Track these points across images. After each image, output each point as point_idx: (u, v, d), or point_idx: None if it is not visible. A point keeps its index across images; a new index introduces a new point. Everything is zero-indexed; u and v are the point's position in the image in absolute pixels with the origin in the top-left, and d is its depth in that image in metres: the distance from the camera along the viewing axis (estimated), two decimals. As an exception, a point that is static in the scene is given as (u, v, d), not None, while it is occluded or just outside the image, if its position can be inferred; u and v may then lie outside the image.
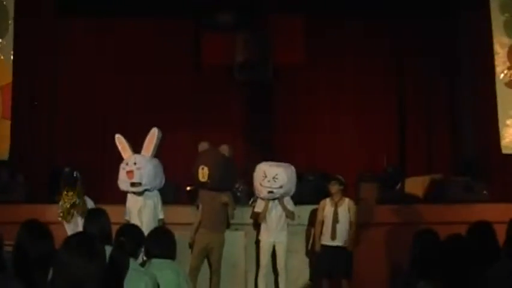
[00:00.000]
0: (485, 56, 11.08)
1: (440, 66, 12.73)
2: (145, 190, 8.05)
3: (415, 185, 10.71)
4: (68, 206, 7.52)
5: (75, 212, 7.54)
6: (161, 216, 8.18)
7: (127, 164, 8.03)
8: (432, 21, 12.57)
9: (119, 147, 8.29)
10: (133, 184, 7.96)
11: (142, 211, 7.99)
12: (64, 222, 7.66)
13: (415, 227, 5.10)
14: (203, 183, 8.33)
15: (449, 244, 4.12)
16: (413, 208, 9.39)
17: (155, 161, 8.21)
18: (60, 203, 7.62)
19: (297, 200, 8.88)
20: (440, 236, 4.60)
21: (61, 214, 7.54)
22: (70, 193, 7.64)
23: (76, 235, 3.40)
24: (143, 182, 7.95)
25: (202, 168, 8.27)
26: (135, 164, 7.95)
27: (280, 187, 8.41)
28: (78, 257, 2.92)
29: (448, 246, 4.10)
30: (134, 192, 8.07)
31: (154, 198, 8.12)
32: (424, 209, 9.29)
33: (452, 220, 7.98)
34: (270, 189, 8.39)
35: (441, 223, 7.51)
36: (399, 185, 10.22)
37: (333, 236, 8.37)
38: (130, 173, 7.91)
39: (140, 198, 8.02)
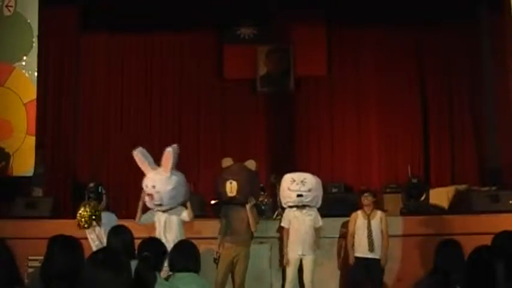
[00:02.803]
0: (508, 63, 10.99)
1: (463, 76, 12.67)
2: (169, 209, 8.05)
3: (440, 196, 10.64)
4: (89, 214, 7.61)
5: (94, 223, 7.63)
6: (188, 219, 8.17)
7: (146, 186, 7.99)
8: (454, 27, 12.51)
9: (138, 163, 8.23)
10: (156, 204, 7.96)
11: (167, 227, 7.98)
12: (88, 234, 7.78)
13: (440, 238, 5.04)
14: (231, 197, 8.27)
15: (474, 255, 4.09)
16: (438, 219, 9.32)
17: (174, 180, 8.09)
18: (80, 212, 7.68)
19: (321, 212, 8.87)
20: (465, 246, 4.56)
21: (82, 221, 7.62)
22: (92, 203, 7.77)
23: (101, 250, 3.42)
24: (164, 203, 7.93)
25: (231, 183, 8.17)
26: (154, 187, 7.92)
27: (309, 190, 8.37)
28: (105, 272, 2.94)
29: (472, 257, 4.07)
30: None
31: (178, 213, 8.09)
32: (449, 220, 9.21)
33: (478, 231, 7.90)
34: (299, 193, 8.33)
35: (467, 234, 7.46)
36: (423, 196, 10.14)
37: (371, 249, 8.32)
38: (150, 195, 7.89)
39: (164, 214, 8.01)
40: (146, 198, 7.91)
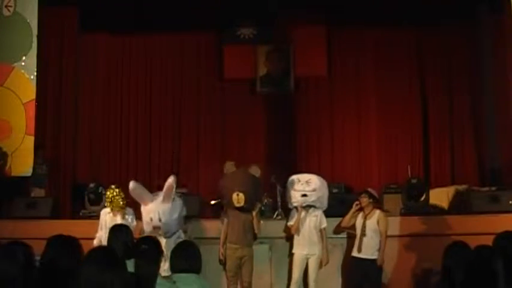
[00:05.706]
0: (508, 62, 10.97)
1: (463, 76, 12.67)
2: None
3: (440, 196, 10.63)
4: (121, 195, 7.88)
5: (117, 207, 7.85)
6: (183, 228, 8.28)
7: (151, 219, 7.90)
8: (454, 28, 12.52)
9: (136, 198, 8.13)
10: (161, 234, 7.88)
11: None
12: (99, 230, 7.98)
13: (440, 239, 5.04)
14: (238, 207, 8.26)
15: (476, 255, 4.08)
16: (438, 219, 9.30)
17: (177, 205, 8.08)
18: (114, 196, 7.88)
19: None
20: (467, 247, 4.56)
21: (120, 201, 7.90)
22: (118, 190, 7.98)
23: (97, 249, 3.43)
24: (171, 231, 7.91)
25: (237, 195, 8.09)
26: (160, 220, 7.85)
27: (314, 190, 8.41)
28: (101, 270, 2.95)
29: (474, 258, 4.06)
30: None
31: (177, 236, 8.05)
32: (449, 220, 9.19)
33: (478, 231, 7.88)
34: (303, 192, 8.38)
35: (467, 234, 7.43)
36: (423, 196, 10.12)
37: (359, 249, 8.32)
38: (156, 228, 7.81)
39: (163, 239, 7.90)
40: (149, 230, 7.86)
